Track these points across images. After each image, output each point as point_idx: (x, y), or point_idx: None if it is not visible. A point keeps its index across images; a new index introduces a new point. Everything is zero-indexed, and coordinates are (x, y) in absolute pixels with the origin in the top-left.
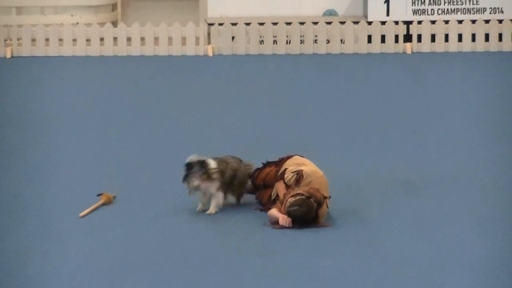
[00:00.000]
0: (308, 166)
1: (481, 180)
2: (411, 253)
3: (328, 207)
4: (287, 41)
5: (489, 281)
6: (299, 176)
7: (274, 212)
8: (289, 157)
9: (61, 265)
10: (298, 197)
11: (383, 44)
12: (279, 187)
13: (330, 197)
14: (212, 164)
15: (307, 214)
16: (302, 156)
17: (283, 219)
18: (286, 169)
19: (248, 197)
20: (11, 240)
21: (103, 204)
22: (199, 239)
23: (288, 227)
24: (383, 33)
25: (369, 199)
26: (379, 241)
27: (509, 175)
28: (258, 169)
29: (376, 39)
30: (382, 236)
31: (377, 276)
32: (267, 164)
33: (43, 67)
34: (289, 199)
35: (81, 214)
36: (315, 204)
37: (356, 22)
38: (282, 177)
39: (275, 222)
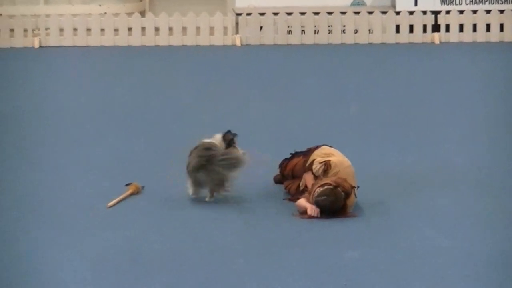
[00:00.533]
0: (336, 156)
1: (508, 174)
2: (435, 244)
3: (356, 197)
4: (315, 31)
5: (509, 274)
6: (326, 166)
7: (302, 202)
8: (317, 147)
9: (83, 256)
10: (326, 187)
11: (411, 34)
12: (307, 178)
13: (358, 187)
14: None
15: (335, 204)
16: (330, 146)
17: (312, 209)
18: (314, 159)
19: (276, 187)
20: (34, 232)
21: (131, 194)
22: (226, 230)
23: (317, 217)
24: (411, 23)
25: (395, 191)
26: (405, 232)
27: None
28: (286, 159)
29: (404, 29)
30: (407, 227)
31: (401, 268)
32: (295, 154)
33: (70, 57)
34: (317, 189)
35: (109, 204)
36: (342, 193)
37: (384, 12)
38: (310, 167)
39: (303, 212)
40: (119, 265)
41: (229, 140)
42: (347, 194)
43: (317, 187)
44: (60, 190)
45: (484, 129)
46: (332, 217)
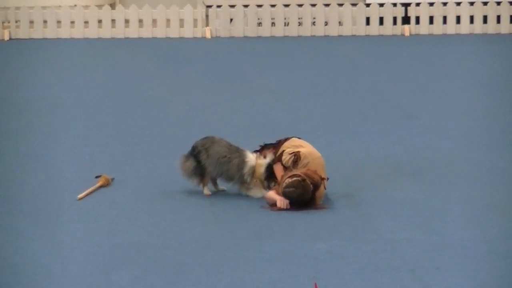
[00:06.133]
0: (305, 148)
1: (476, 165)
2: (405, 236)
3: (325, 189)
4: (285, 23)
5: (479, 265)
6: (296, 157)
7: (271, 194)
8: (286, 139)
9: (56, 248)
10: (294, 179)
11: (381, 26)
12: (277, 169)
13: (328, 178)
14: None
15: (303, 196)
16: (300, 138)
17: (281, 201)
18: (283, 151)
19: None
20: (6, 223)
21: (101, 187)
22: (195, 222)
23: (286, 209)
24: (381, 15)
25: (365, 183)
26: (374, 224)
27: (505, 160)
28: (256, 151)
29: (374, 21)
30: (376, 219)
31: (371, 259)
32: (264, 147)
33: (41, 50)
34: (286, 180)
35: (79, 196)
36: (311, 185)
37: (354, 4)
38: (279, 159)
39: (273, 205)
40: (90, 258)
41: (271, 172)
42: (316, 186)
43: (286, 178)
44: (27, 181)
45: (455, 120)
46: (301, 209)
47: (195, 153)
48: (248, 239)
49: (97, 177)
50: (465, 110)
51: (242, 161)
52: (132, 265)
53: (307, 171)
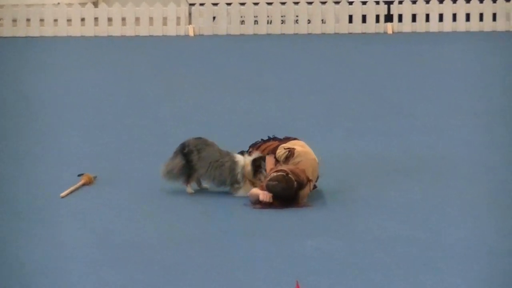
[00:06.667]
0: (302, 148)
1: (472, 164)
2: (398, 235)
3: (310, 190)
4: (268, 21)
5: (475, 264)
6: (290, 153)
7: (254, 190)
8: (294, 139)
9: (41, 246)
10: (279, 173)
11: (364, 24)
12: (268, 161)
13: (316, 183)
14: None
15: (285, 191)
16: (303, 144)
17: (264, 195)
18: (279, 145)
19: None
20: None
21: (83, 185)
22: (185, 221)
23: (269, 203)
24: (364, 13)
25: (358, 181)
26: (366, 223)
27: (501, 158)
28: (262, 140)
29: (357, 19)
30: (369, 217)
31: (359, 258)
32: (272, 139)
33: (24, 48)
34: (272, 174)
35: (62, 194)
36: (295, 182)
37: (337, 2)
38: (274, 151)
39: (256, 201)
40: (81, 257)
41: (256, 166)
42: (301, 185)
43: (273, 172)
44: (17, 181)
45: (444, 118)
46: (284, 206)
47: (185, 152)
48: (238, 237)
49: (79, 175)
50: (455, 107)
51: (234, 163)
52: (124, 265)
53: (294, 169)
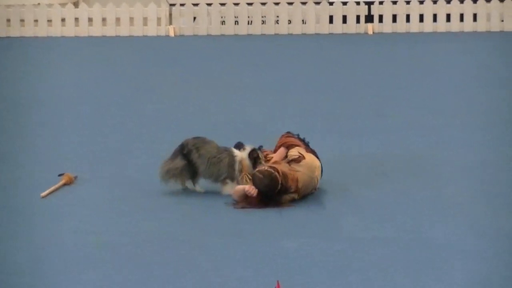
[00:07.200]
0: (311, 162)
1: (448, 164)
2: (374, 236)
3: (295, 199)
4: (248, 21)
5: (450, 264)
6: (298, 159)
7: (240, 187)
8: (314, 152)
9: (25, 247)
10: (269, 169)
11: (344, 24)
12: (279, 152)
13: (297, 198)
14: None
15: (267, 187)
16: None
17: (250, 188)
18: (297, 146)
19: None
20: None
21: (64, 185)
22: (164, 221)
23: (252, 202)
24: (344, 14)
25: (335, 182)
26: (343, 223)
27: (477, 158)
28: (289, 132)
29: (338, 19)
30: (346, 218)
31: (338, 259)
32: (296, 136)
33: (4, 48)
34: (265, 166)
35: (43, 194)
36: (279, 184)
37: (317, 3)
38: (289, 147)
39: (241, 197)
40: (59, 256)
41: (254, 157)
42: (285, 189)
43: (269, 164)
44: None
45: (424, 118)
46: (264, 203)
47: (184, 152)
48: (217, 238)
49: (60, 175)
50: (434, 107)
51: (232, 158)
52: (102, 264)
53: (288, 173)
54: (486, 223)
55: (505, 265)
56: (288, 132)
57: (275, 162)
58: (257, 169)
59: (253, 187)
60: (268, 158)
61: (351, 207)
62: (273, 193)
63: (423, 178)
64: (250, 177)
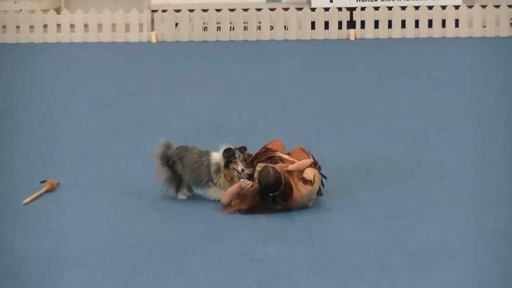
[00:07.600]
0: (314, 193)
1: (428, 166)
2: (355, 239)
3: (282, 207)
4: (230, 27)
5: (433, 265)
6: (309, 183)
7: (229, 189)
8: (319, 167)
9: (7, 251)
10: (274, 165)
11: (326, 30)
12: (302, 163)
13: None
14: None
15: (264, 180)
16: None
17: (243, 181)
18: (317, 165)
19: None
20: None
21: (46, 191)
22: (145, 225)
23: (245, 199)
24: (326, 20)
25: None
26: (323, 227)
27: (456, 159)
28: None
29: (320, 25)
30: (326, 221)
31: (318, 264)
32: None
33: None
34: (280, 163)
35: (25, 201)
36: (282, 182)
37: (299, 9)
38: (312, 164)
39: (227, 206)
40: (40, 259)
41: (228, 157)
42: (285, 194)
43: (287, 162)
44: None
45: (405, 121)
46: (259, 205)
47: (169, 163)
48: (197, 242)
49: (42, 182)
50: (416, 111)
51: (209, 161)
52: (83, 267)
53: (293, 180)
54: (477, 226)
55: (493, 264)
56: (302, 148)
57: (290, 171)
58: (263, 162)
59: (246, 180)
60: (250, 159)
61: (332, 211)
62: (271, 193)
63: (404, 181)
64: (229, 178)
